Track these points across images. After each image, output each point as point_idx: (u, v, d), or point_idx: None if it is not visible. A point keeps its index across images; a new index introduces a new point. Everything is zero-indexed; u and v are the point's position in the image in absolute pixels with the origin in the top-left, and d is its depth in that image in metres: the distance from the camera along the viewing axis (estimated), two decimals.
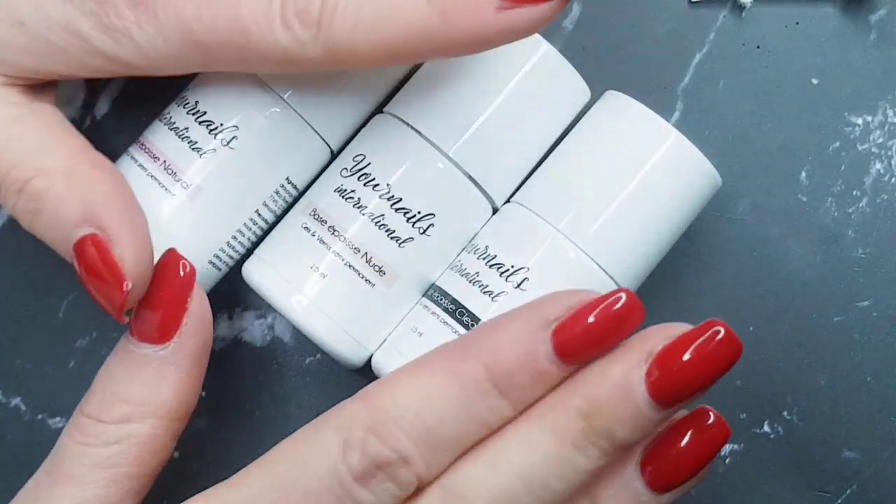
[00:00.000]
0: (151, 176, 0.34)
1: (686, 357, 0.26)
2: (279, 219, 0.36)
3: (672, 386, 0.26)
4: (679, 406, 0.27)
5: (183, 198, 0.34)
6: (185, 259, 0.31)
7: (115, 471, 0.30)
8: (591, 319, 0.27)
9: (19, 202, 0.30)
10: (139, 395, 0.30)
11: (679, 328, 0.27)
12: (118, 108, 0.39)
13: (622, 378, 0.27)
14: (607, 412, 0.26)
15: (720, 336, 0.27)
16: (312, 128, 0.35)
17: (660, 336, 0.27)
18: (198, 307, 0.31)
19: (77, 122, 0.39)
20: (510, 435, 0.27)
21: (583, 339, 0.27)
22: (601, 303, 0.27)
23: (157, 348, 0.31)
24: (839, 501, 0.37)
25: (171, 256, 0.31)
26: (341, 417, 0.28)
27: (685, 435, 0.28)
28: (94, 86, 0.39)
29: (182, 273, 0.31)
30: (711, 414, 0.28)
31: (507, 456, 0.27)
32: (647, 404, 0.26)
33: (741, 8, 0.39)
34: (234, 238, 0.35)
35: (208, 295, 0.36)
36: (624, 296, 0.27)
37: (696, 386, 0.27)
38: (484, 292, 0.33)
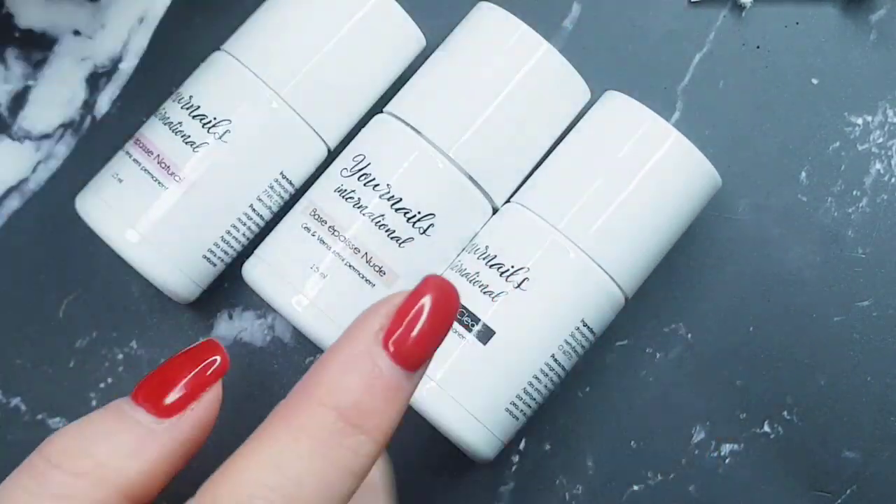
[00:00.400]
0: (145, 170, 0.34)
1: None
2: (275, 215, 0.36)
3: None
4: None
5: (177, 192, 0.34)
6: (225, 353, 0.29)
7: None
8: (421, 320, 0.25)
9: None
10: (106, 456, 0.27)
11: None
12: (118, 108, 0.39)
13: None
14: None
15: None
16: (308, 124, 0.35)
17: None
18: (210, 401, 0.28)
19: (77, 122, 0.39)
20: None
21: (420, 339, 0.25)
22: (420, 297, 0.26)
23: (152, 419, 0.28)
24: (839, 501, 0.37)
25: (213, 344, 0.29)
26: None
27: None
28: (94, 86, 0.39)
29: (217, 362, 0.28)
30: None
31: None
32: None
33: (741, 8, 0.39)
34: (229, 233, 0.35)
35: (206, 291, 0.36)
36: (438, 282, 0.26)
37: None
38: (484, 292, 0.33)
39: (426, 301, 0.25)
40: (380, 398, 0.25)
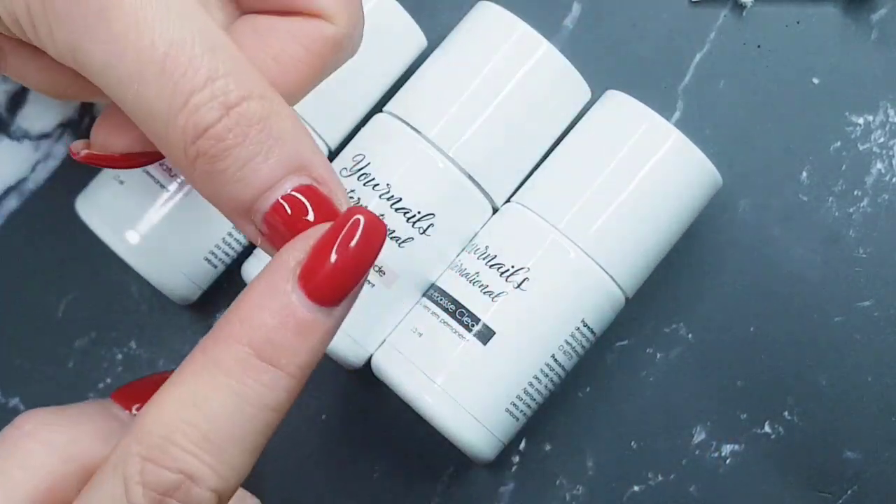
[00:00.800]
0: (147, 172, 0.34)
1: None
2: None
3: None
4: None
5: (178, 194, 0.34)
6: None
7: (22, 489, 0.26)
8: (334, 255, 0.25)
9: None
10: (80, 434, 0.27)
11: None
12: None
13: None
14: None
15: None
16: (308, 124, 0.35)
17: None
18: None
19: (76, 122, 0.39)
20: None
21: (333, 275, 0.25)
22: (339, 232, 0.25)
23: (127, 414, 0.29)
24: (840, 502, 0.37)
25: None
26: (117, 454, 0.25)
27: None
28: None
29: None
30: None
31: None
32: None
33: (742, 7, 0.38)
34: (230, 234, 0.35)
35: (206, 292, 0.36)
36: (362, 217, 0.25)
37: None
38: (484, 292, 0.33)
39: (346, 235, 0.25)
40: (293, 334, 0.25)
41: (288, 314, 0.25)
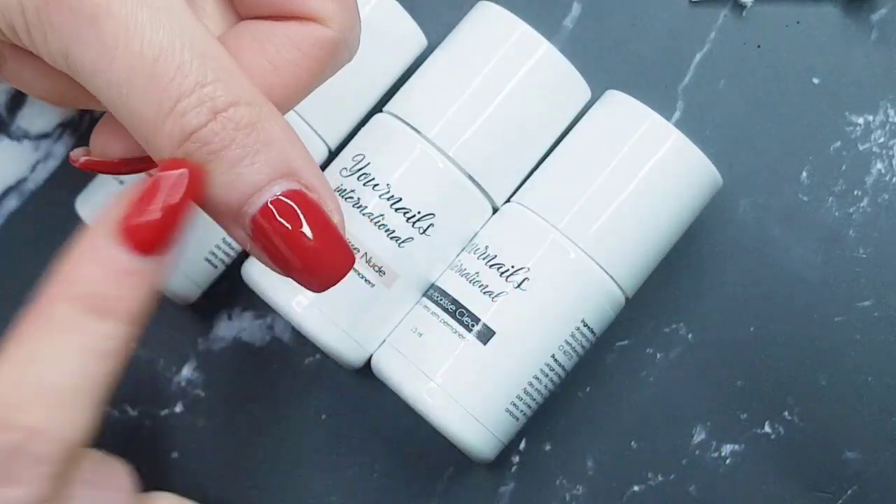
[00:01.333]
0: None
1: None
2: None
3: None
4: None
5: None
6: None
7: None
8: (151, 204, 0.25)
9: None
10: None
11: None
12: None
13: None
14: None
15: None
16: (308, 124, 0.35)
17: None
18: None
19: (76, 122, 0.39)
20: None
21: (151, 224, 0.25)
22: (157, 184, 0.25)
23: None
24: (840, 502, 0.37)
25: None
26: None
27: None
28: None
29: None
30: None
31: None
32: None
33: (742, 7, 0.38)
34: None
35: (207, 293, 0.36)
36: (172, 167, 0.25)
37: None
38: (484, 292, 0.33)
39: (157, 185, 0.25)
40: (116, 284, 0.25)
41: (112, 264, 0.25)
